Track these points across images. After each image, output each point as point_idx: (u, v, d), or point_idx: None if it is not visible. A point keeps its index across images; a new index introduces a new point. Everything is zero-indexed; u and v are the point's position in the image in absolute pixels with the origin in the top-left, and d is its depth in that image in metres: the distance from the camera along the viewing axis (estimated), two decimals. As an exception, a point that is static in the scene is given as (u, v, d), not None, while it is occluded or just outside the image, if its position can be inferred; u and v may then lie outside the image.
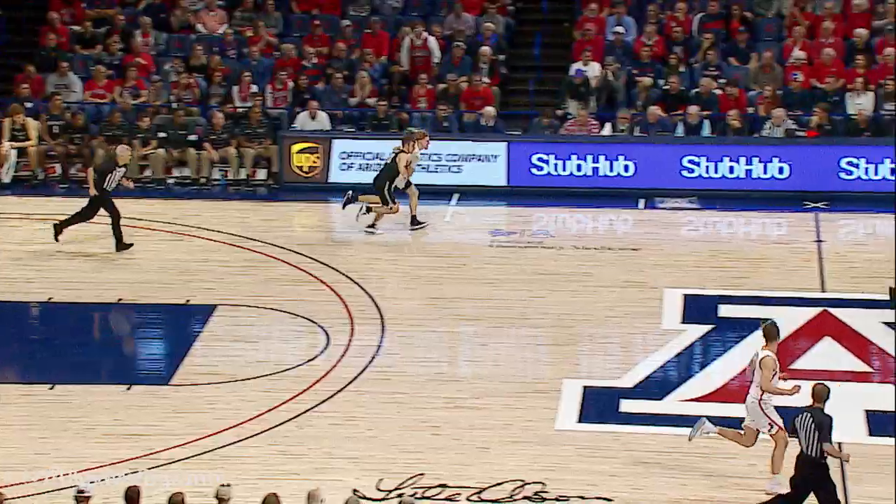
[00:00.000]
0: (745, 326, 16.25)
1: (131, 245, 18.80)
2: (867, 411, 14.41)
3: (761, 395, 13.09)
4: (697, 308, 16.90)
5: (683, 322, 16.60)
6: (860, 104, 21.10)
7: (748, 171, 20.55)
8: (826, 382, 14.52)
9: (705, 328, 16.36)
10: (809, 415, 12.26)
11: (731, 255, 18.65)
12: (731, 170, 20.56)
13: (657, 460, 13.65)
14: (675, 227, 19.75)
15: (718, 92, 21.58)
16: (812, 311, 16.64)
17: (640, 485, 13.22)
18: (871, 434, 14.05)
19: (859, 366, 15.46)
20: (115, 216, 18.69)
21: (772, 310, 16.55)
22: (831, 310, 16.66)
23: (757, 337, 15.84)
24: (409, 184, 19.64)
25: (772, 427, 13.07)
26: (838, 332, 16.07)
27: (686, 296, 17.21)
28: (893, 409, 14.31)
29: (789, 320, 16.28)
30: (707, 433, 13.38)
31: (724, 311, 16.80)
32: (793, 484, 12.39)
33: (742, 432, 13.22)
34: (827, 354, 15.69)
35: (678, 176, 20.69)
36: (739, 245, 19.33)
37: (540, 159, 20.82)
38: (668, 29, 22.66)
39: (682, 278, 17.81)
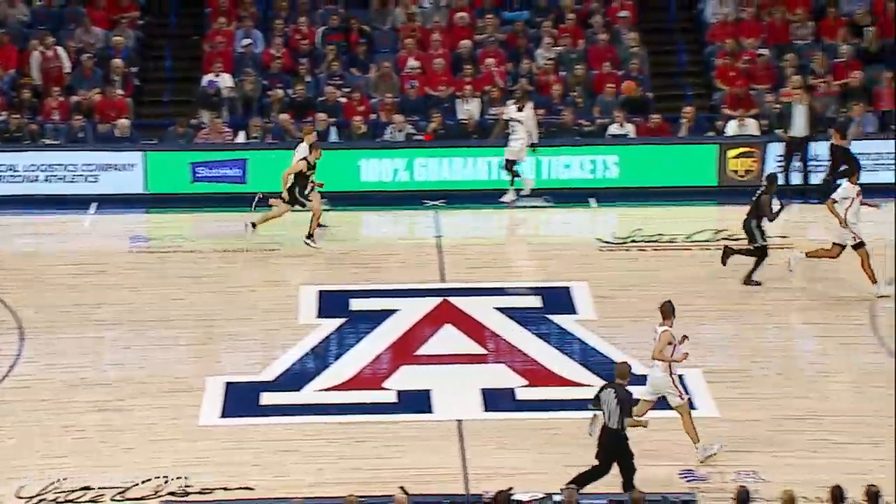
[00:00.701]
0: (374, 319, 17.20)
1: None
2: (483, 389, 15.55)
3: (669, 367, 13.67)
4: (331, 303, 17.67)
5: (319, 317, 17.36)
6: (469, 109, 22.41)
7: (373, 173, 21.55)
8: (450, 365, 16.02)
9: (339, 321, 17.17)
10: (613, 390, 13.00)
11: (361, 252, 19.49)
12: (358, 172, 21.60)
13: (296, 448, 14.28)
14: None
15: (343, 100, 22.56)
16: (434, 301, 17.65)
17: (280, 472, 13.82)
18: (486, 409, 15.25)
19: (476, 349, 16.56)
20: None
21: (398, 301, 17.66)
22: (451, 299, 17.73)
23: (386, 327, 17.13)
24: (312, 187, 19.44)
25: (680, 397, 13.66)
26: (457, 319, 17.14)
27: (321, 292, 17.96)
28: (504, 387, 15.67)
29: (414, 310, 17.40)
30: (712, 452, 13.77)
31: (355, 304, 17.65)
32: (597, 456, 13.09)
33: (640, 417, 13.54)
34: (448, 339, 16.70)
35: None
36: (368, 242, 20.27)
37: (177, 167, 21.27)
38: (293, 41, 23.39)
39: (316, 275, 18.56)
